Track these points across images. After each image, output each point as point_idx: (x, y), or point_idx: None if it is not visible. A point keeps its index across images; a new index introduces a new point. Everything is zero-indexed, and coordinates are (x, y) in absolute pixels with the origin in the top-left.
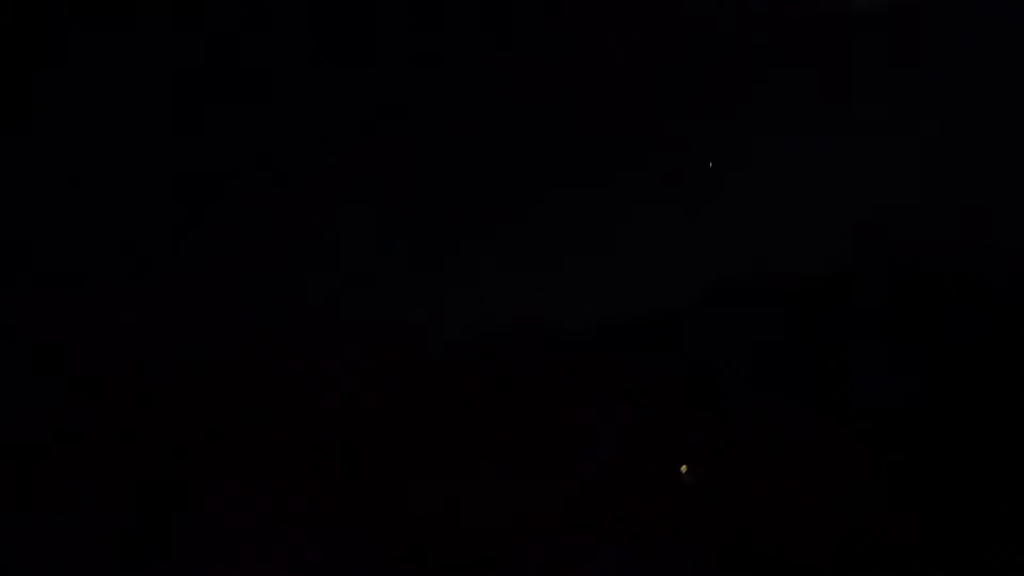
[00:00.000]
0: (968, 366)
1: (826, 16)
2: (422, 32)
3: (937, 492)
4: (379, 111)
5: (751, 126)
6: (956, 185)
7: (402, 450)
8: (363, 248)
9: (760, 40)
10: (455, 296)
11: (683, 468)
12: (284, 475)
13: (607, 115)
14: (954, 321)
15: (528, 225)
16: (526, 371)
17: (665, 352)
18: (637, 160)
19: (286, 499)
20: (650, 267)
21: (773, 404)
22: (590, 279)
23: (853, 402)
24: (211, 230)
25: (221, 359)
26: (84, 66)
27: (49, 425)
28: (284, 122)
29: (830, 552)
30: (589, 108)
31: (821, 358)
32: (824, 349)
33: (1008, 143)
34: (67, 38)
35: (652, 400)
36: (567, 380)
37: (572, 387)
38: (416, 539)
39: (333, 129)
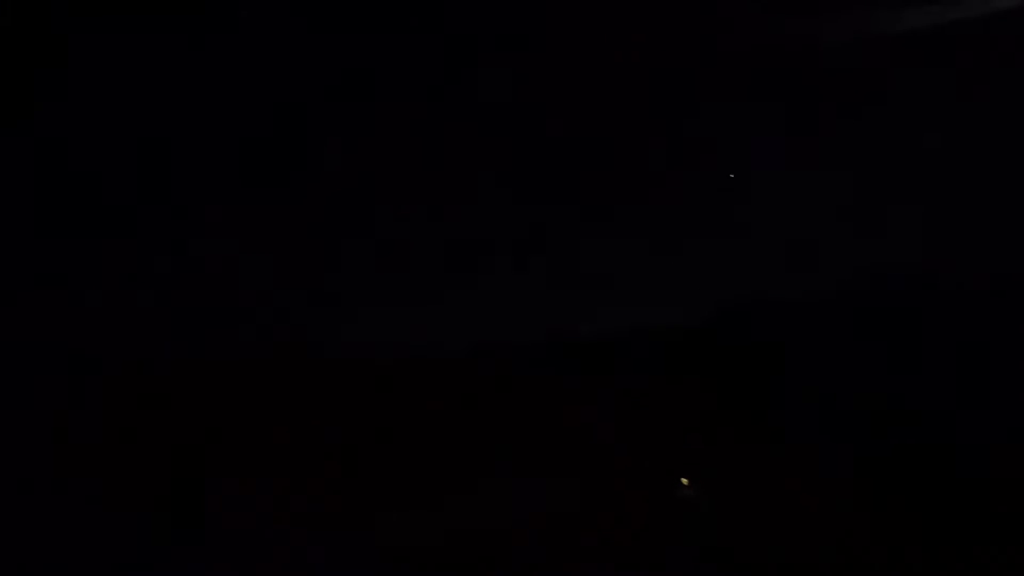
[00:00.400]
0: (967, 368)
1: (832, 30)
2: (422, 32)
3: (937, 492)
4: (379, 111)
5: (755, 133)
6: (958, 202)
7: (402, 450)
8: (363, 249)
9: (768, 51)
10: (456, 297)
11: (684, 480)
12: (284, 475)
13: (613, 120)
14: (953, 326)
15: (531, 228)
16: (526, 372)
17: (666, 355)
18: (642, 167)
19: (286, 499)
20: (652, 272)
21: (772, 405)
22: (592, 282)
23: (852, 405)
24: (211, 230)
25: (221, 359)
26: (85, 66)
27: (49, 425)
28: (284, 123)
29: (830, 552)
30: (593, 111)
31: (821, 361)
32: (824, 353)
33: (1012, 163)
34: (67, 38)
35: (652, 401)
36: (567, 381)
37: (572, 388)
38: (416, 539)
39: (333, 129)
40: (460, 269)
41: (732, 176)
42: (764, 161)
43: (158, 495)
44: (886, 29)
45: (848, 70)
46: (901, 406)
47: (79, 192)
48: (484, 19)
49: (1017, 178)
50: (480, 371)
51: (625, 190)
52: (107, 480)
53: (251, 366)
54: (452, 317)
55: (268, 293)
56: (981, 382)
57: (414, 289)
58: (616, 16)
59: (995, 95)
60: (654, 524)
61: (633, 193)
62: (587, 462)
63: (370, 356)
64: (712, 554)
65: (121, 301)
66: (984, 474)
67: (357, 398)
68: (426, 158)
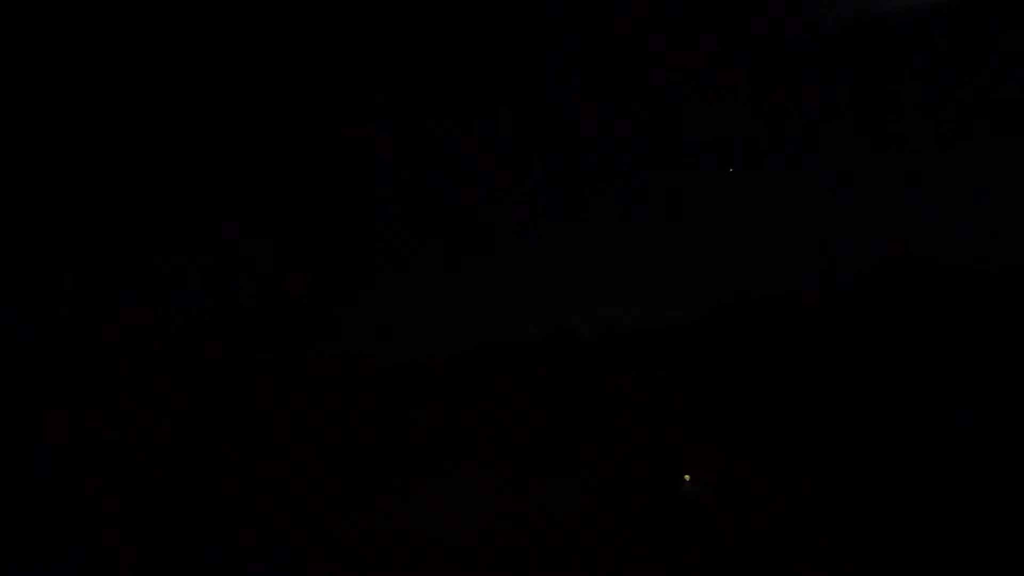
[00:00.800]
0: (966, 368)
1: (844, 24)
2: (423, 33)
3: (938, 492)
4: (380, 113)
5: (761, 133)
6: (959, 201)
7: (401, 449)
8: (364, 250)
9: (778, 45)
10: (456, 297)
11: (686, 477)
12: (284, 475)
13: (619, 120)
14: (953, 325)
15: (531, 229)
16: (526, 372)
17: (666, 355)
18: (648, 167)
19: (287, 499)
20: (652, 272)
21: (772, 405)
22: (593, 282)
23: (854, 405)
24: (211, 230)
25: (221, 359)
26: (85, 67)
27: (49, 425)
28: (284, 125)
29: (830, 552)
30: (598, 112)
31: (820, 360)
32: (823, 352)
33: (1013, 160)
34: (68, 38)
35: (652, 401)
36: (568, 382)
37: (573, 389)
38: (415, 538)
39: (332, 131)
40: (460, 269)
41: (731, 170)
42: (764, 160)
43: (159, 494)
44: (875, 26)
45: (846, 68)
46: (901, 406)
47: (80, 193)
48: (483, 20)
49: (1018, 176)
50: (480, 371)
51: (625, 190)
52: (108, 479)
53: (251, 366)
54: (452, 317)
55: (269, 293)
56: (981, 382)
57: (414, 289)
58: (615, 16)
59: (994, 92)
60: (654, 524)
61: (633, 193)
62: (587, 462)
63: (370, 356)
64: (712, 554)
65: (121, 301)
66: (984, 474)
67: (357, 398)
68: (427, 159)
